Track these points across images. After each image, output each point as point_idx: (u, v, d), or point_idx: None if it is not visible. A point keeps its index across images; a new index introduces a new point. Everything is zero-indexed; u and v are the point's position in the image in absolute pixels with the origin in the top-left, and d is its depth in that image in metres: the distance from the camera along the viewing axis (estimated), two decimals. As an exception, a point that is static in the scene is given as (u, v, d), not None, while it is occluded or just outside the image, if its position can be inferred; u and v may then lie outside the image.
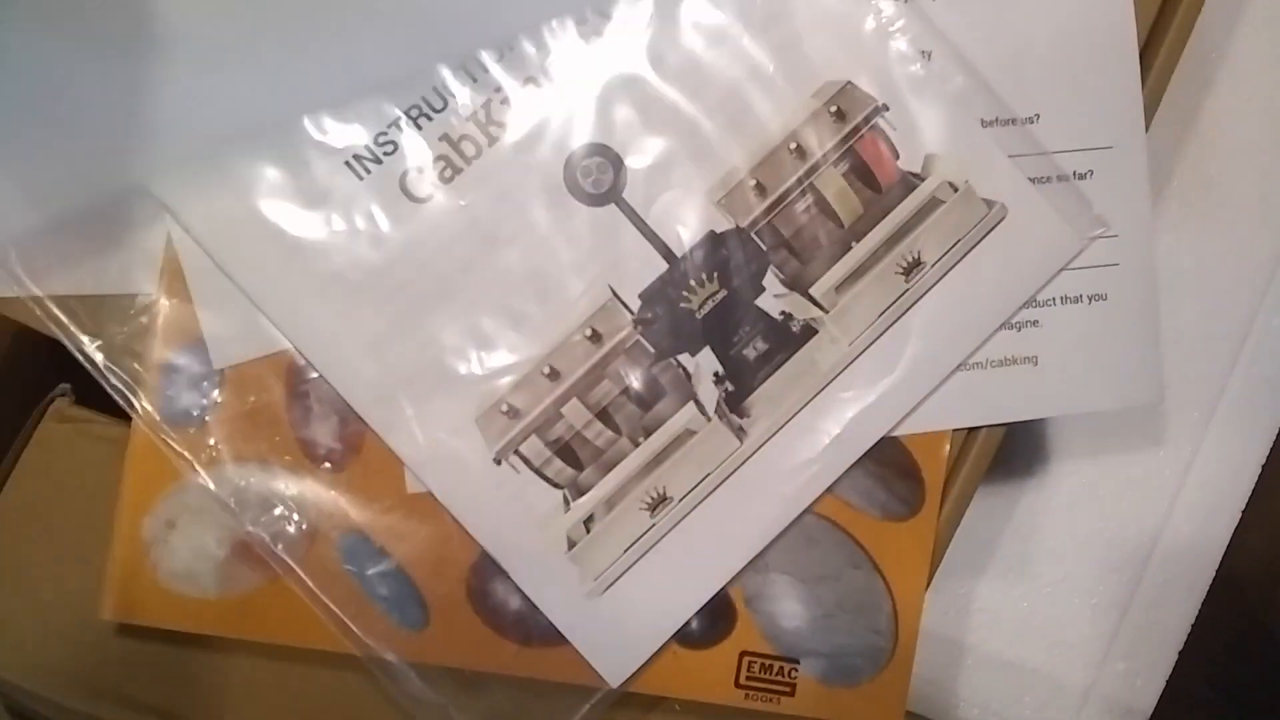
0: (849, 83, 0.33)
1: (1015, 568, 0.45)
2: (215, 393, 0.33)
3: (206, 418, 0.33)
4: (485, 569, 0.34)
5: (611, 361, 0.33)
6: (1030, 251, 0.34)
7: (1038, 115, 0.34)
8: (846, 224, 0.33)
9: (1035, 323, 0.35)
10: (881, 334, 0.34)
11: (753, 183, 0.33)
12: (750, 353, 0.33)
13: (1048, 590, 0.45)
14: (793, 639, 0.35)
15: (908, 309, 0.34)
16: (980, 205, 0.34)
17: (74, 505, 0.36)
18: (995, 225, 0.34)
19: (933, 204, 0.33)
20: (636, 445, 0.33)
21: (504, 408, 0.33)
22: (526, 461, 0.33)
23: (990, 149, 0.34)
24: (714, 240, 0.33)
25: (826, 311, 0.33)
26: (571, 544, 0.33)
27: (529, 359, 0.33)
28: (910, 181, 0.33)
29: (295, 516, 0.33)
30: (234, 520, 0.33)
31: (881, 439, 0.34)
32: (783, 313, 0.33)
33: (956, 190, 0.33)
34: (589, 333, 0.33)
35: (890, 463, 0.35)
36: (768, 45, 0.33)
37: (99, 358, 0.33)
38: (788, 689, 0.35)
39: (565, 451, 0.33)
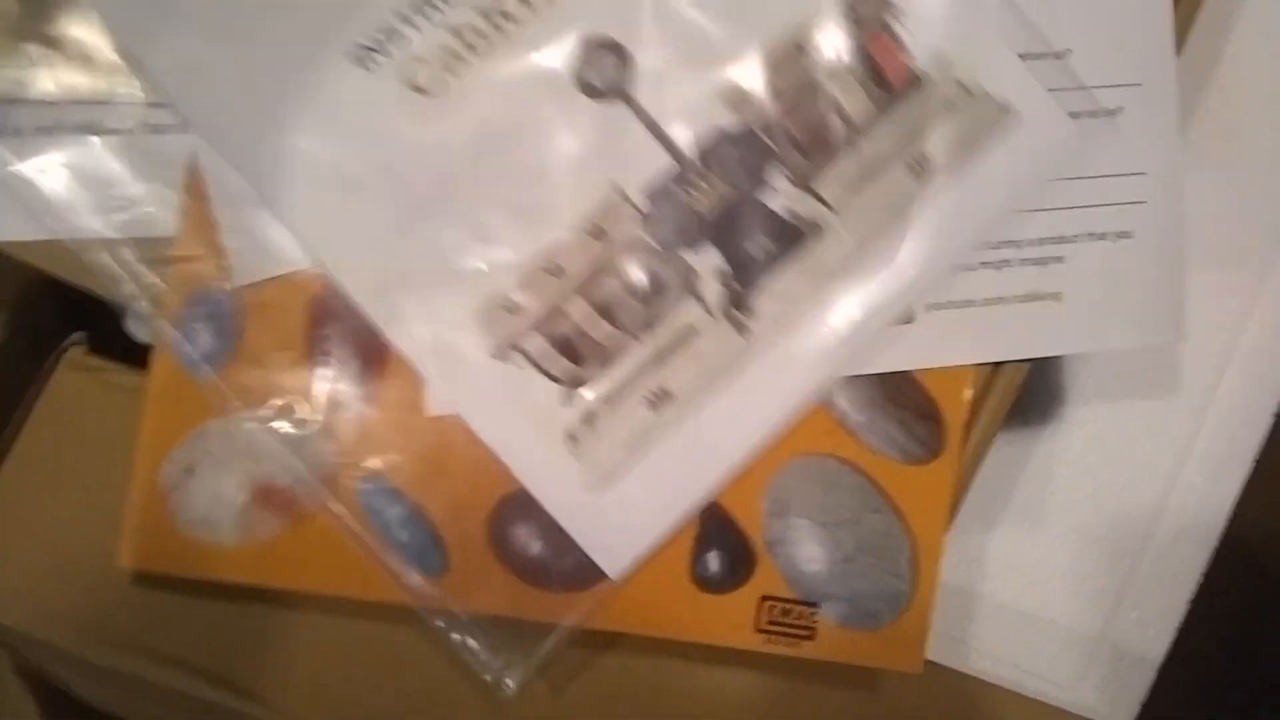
0: (860, -19, 0.33)
1: (1028, 517, 0.44)
2: (237, 315, 0.33)
3: (229, 341, 0.33)
4: (505, 514, 0.33)
5: (615, 258, 0.33)
6: (1040, 154, 0.33)
7: (1069, 50, 0.34)
8: (856, 123, 0.33)
9: (1060, 259, 0.34)
10: (888, 233, 0.33)
11: (763, 81, 0.33)
12: (756, 251, 0.33)
13: (1060, 539, 0.44)
14: (812, 583, 0.34)
15: (915, 208, 0.33)
16: (991, 106, 0.33)
17: (88, 454, 0.36)
18: (1005, 127, 0.33)
19: (943, 104, 0.33)
20: (639, 342, 0.33)
21: (506, 303, 0.33)
22: (528, 357, 0.33)
23: (1002, 50, 0.33)
24: (722, 138, 0.33)
25: (834, 210, 0.33)
26: (572, 438, 0.33)
27: (532, 255, 0.33)
28: (921, 81, 0.33)
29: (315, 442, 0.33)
30: (255, 445, 0.33)
31: (901, 381, 0.34)
32: (790, 211, 0.33)
33: (968, 91, 0.33)
34: (593, 229, 0.33)
35: (910, 405, 0.34)
36: (780, -57, 0.33)
37: (121, 288, 0.33)
38: (808, 633, 0.34)
39: (567, 347, 0.33)
